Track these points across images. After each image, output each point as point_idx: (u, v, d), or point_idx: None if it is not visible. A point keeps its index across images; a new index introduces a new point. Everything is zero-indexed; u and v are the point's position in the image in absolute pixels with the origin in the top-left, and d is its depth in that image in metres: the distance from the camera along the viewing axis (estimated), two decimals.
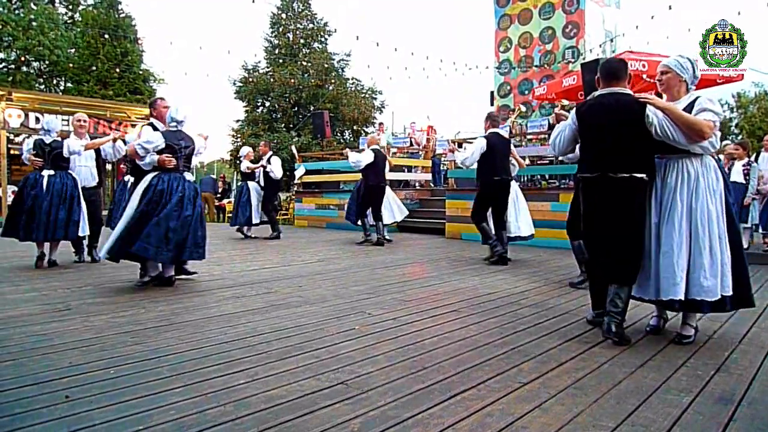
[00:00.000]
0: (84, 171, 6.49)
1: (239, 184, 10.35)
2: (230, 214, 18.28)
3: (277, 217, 19.43)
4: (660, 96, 3.58)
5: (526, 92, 15.93)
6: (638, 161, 3.31)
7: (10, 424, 2.07)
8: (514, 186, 7.14)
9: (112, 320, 3.69)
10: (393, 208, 9.56)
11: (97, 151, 6.64)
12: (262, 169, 9.79)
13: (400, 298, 4.52)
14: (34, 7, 24.85)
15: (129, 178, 7.00)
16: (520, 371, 2.76)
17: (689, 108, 3.24)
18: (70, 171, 6.21)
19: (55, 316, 3.80)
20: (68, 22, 27.71)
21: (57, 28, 25.20)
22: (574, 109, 3.66)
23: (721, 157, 8.57)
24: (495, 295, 4.72)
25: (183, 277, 5.35)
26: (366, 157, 8.79)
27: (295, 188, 15.17)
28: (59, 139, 6.11)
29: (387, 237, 9.20)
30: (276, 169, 9.62)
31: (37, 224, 5.82)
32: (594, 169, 3.42)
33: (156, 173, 4.91)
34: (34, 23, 24.02)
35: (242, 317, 3.84)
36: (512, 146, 7.10)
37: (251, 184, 9.83)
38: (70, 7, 28.21)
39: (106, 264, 5.97)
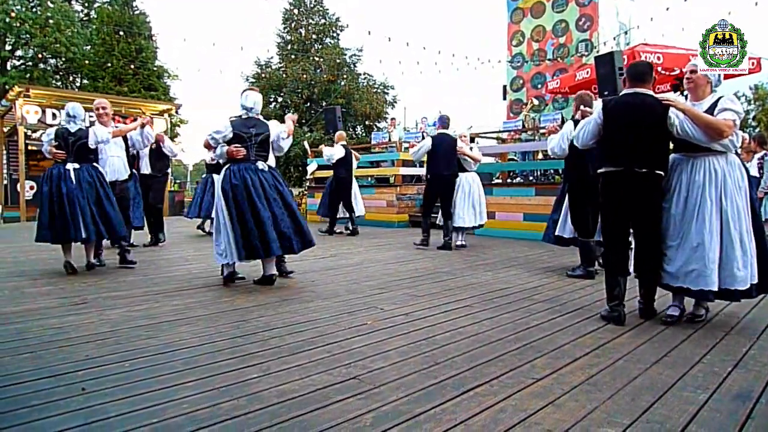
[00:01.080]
0: (116, 162, 5.96)
1: (204, 176, 9.75)
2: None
3: None
4: (676, 90, 3.71)
5: (539, 86, 15.79)
6: (658, 159, 3.58)
7: (28, 416, 2.10)
8: (468, 179, 7.72)
9: (127, 314, 3.73)
10: (358, 201, 9.89)
11: (125, 140, 6.17)
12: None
13: (412, 293, 4.52)
14: (51, 5, 25.11)
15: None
16: (534, 367, 2.74)
17: (712, 108, 3.47)
18: (96, 165, 5.54)
19: (72, 309, 3.85)
20: (84, 19, 27.99)
21: (73, 26, 25.45)
22: (601, 105, 3.79)
23: (739, 150, 8.46)
24: (508, 291, 4.70)
25: (197, 271, 5.38)
26: (338, 152, 9.31)
27: (308, 183, 15.20)
28: (84, 127, 5.46)
29: (356, 228, 9.66)
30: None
31: (66, 223, 5.13)
32: (618, 163, 3.62)
33: (227, 166, 4.71)
34: (50, 21, 24.27)
35: (255, 312, 3.86)
36: (467, 145, 7.98)
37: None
38: (86, 4, 28.50)
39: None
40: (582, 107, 4.74)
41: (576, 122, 5.11)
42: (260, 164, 4.77)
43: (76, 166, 5.31)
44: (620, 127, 3.63)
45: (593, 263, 5.35)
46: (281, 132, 4.93)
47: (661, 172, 3.58)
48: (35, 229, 5.31)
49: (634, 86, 3.67)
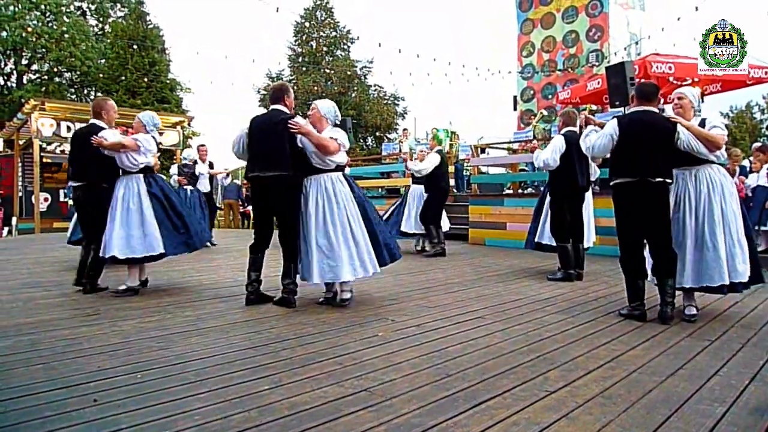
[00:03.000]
0: None
1: None
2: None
3: None
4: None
5: (550, 96, 15.79)
6: (667, 170, 4.00)
7: (41, 427, 2.11)
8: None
9: (139, 325, 3.75)
10: None
11: None
12: None
13: (424, 305, 4.50)
14: (66, 20, 25.62)
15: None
16: (547, 379, 2.71)
17: (701, 126, 3.98)
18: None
19: (85, 320, 3.88)
20: (98, 33, 28.50)
21: (88, 40, 25.93)
22: (616, 121, 4.15)
23: (751, 160, 8.35)
24: (520, 302, 4.67)
25: (208, 283, 5.39)
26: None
27: None
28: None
29: None
30: None
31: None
32: (634, 174, 3.97)
33: (342, 173, 4.51)
34: (66, 35, 24.74)
35: (266, 323, 3.86)
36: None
37: None
38: (101, 19, 29.02)
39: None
40: (585, 113, 5.04)
41: (567, 136, 5.64)
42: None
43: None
44: (635, 142, 3.97)
45: (572, 266, 5.74)
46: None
47: (670, 181, 4.01)
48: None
49: (643, 104, 4.08)
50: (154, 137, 5.08)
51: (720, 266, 3.86)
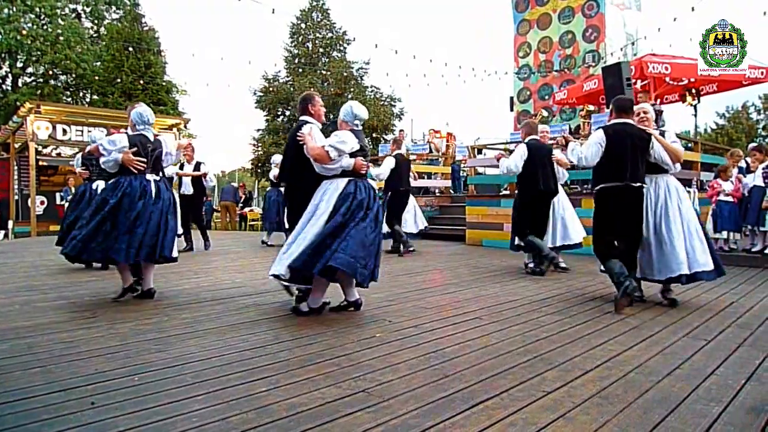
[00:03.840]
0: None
1: (269, 190, 10.45)
2: (252, 222, 18.49)
3: None
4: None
5: (547, 97, 15.83)
6: (643, 176, 4.51)
7: (39, 430, 2.11)
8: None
9: (136, 328, 3.74)
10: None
11: None
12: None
13: (421, 306, 4.50)
14: (62, 23, 25.52)
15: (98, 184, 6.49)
16: (544, 380, 2.72)
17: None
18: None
19: (82, 323, 3.87)
20: (94, 36, 28.41)
21: (83, 43, 25.83)
22: (602, 131, 4.56)
23: (749, 160, 8.36)
24: (517, 303, 4.67)
25: (205, 285, 5.39)
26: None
27: None
28: (159, 136, 4.97)
29: None
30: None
31: (142, 242, 4.53)
32: (620, 179, 4.42)
33: (350, 179, 4.20)
34: (61, 38, 24.65)
35: (263, 325, 3.86)
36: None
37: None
38: (96, 21, 28.91)
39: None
40: (565, 134, 5.83)
41: (529, 144, 6.20)
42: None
43: (156, 177, 4.77)
44: (620, 150, 4.43)
45: (544, 251, 6.20)
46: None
47: (645, 186, 4.54)
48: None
49: (622, 117, 4.58)
50: (142, 132, 4.74)
51: (677, 258, 4.39)
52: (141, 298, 4.73)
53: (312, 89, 25.98)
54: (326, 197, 4.12)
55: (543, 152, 6.23)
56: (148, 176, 4.69)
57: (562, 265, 6.59)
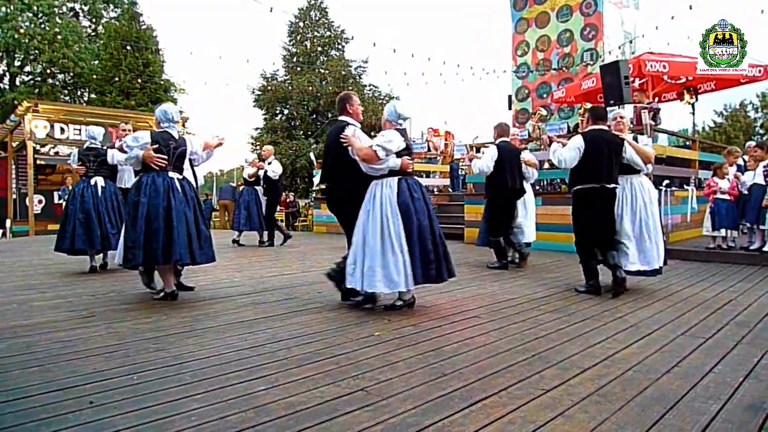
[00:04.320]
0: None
1: (243, 189, 10.26)
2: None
3: (296, 224, 19.48)
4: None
5: (545, 95, 15.82)
6: (616, 177, 4.96)
7: (37, 429, 2.11)
8: None
9: (135, 327, 3.74)
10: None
11: None
12: (263, 172, 9.54)
13: (420, 304, 4.50)
14: (59, 21, 25.47)
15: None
16: (542, 378, 2.72)
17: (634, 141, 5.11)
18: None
19: (80, 322, 3.86)
20: (91, 34, 28.36)
21: (81, 41, 25.80)
22: (581, 137, 4.95)
23: (746, 158, 8.36)
24: (515, 301, 4.68)
25: (204, 284, 5.38)
26: (276, 168, 9.59)
27: (314, 195, 15.24)
28: (184, 135, 5.01)
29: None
30: (276, 168, 9.52)
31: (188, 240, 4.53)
32: (597, 181, 4.85)
33: (400, 177, 4.26)
34: (59, 37, 24.61)
35: (262, 323, 3.86)
36: None
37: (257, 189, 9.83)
38: (93, 20, 28.86)
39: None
40: (551, 135, 6.05)
41: (500, 146, 6.48)
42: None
43: (178, 175, 4.68)
44: (596, 155, 4.83)
45: (506, 257, 6.70)
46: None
47: (618, 187, 5.00)
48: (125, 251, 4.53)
49: (598, 124, 5.03)
50: (165, 130, 4.69)
51: (652, 254, 4.99)
52: (163, 300, 4.66)
53: (310, 88, 26.02)
54: (385, 201, 4.16)
55: (512, 154, 6.58)
56: (171, 174, 4.62)
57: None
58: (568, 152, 4.93)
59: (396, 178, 4.23)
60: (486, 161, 6.41)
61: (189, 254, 4.49)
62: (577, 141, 4.92)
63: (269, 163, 9.52)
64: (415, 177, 4.50)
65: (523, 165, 6.77)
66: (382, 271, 4.05)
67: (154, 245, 4.37)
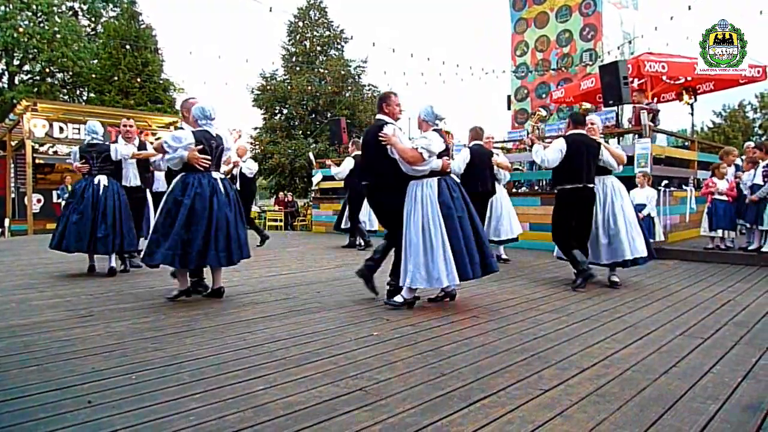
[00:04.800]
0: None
1: None
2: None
3: (295, 223, 19.45)
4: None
5: (544, 96, 15.83)
6: (594, 177, 5.41)
7: (35, 429, 2.10)
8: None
9: (133, 326, 3.73)
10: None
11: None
12: (238, 170, 9.08)
13: (419, 304, 4.50)
14: (58, 20, 25.45)
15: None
16: (541, 378, 2.72)
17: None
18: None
19: (79, 322, 3.86)
20: (91, 33, 28.33)
21: (80, 40, 25.77)
22: (563, 140, 5.36)
23: (744, 158, 8.35)
24: (514, 301, 4.68)
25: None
26: (346, 166, 9.56)
27: (313, 194, 15.24)
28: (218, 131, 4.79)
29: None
30: (251, 166, 9.27)
31: (227, 244, 4.60)
32: (578, 181, 5.31)
33: (439, 178, 4.37)
34: (58, 36, 24.58)
35: (261, 323, 3.85)
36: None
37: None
38: (93, 19, 28.83)
39: (139, 271, 6.08)
40: (531, 135, 6.20)
41: (473, 148, 6.70)
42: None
43: (221, 176, 4.66)
44: (578, 157, 5.27)
45: None
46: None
47: (596, 187, 5.44)
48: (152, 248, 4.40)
49: (578, 128, 5.43)
50: (205, 128, 4.59)
51: (623, 246, 5.34)
52: (210, 297, 4.69)
53: (309, 88, 25.95)
54: (426, 201, 4.29)
55: (484, 156, 6.80)
56: (214, 174, 4.56)
57: (504, 257, 7.39)
58: (552, 153, 5.33)
59: (436, 179, 4.35)
60: (458, 163, 6.57)
61: (226, 257, 4.49)
62: (560, 143, 5.33)
63: (244, 161, 9.16)
64: (453, 176, 4.62)
65: (495, 167, 7.03)
66: (425, 269, 4.21)
67: (189, 249, 4.33)
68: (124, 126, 6.48)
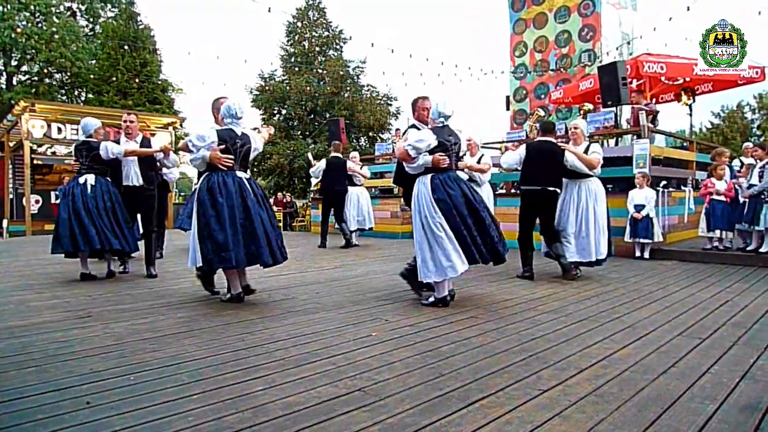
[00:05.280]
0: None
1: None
2: None
3: (294, 224, 19.44)
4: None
5: (543, 96, 15.84)
6: (558, 182, 5.85)
7: (34, 430, 2.10)
8: (355, 191, 9.89)
9: (131, 327, 3.73)
10: (369, 213, 10.38)
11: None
12: None
13: (417, 304, 4.50)
14: (56, 21, 25.42)
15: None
16: (540, 378, 2.73)
17: (586, 150, 5.87)
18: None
19: (77, 323, 3.85)
20: (89, 34, 28.29)
21: (78, 41, 25.74)
22: (525, 146, 5.98)
23: (743, 159, 8.36)
24: (512, 301, 4.68)
25: (200, 284, 5.39)
26: (319, 166, 9.87)
27: (312, 195, 15.24)
28: (245, 130, 4.76)
29: None
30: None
31: (268, 240, 4.56)
32: (537, 184, 5.79)
33: (433, 174, 4.45)
34: (56, 36, 24.56)
35: (260, 324, 3.85)
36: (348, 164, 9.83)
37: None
38: (91, 19, 28.80)
39: (138, 272, 6.08)
40: (506, 145, 6.91)
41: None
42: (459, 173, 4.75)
43: (246, 175, 4.61)
44: (536, 162, 5.78)
45: None
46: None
47: (560, 191, 5.90)
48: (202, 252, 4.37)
49: (546, 136, 5.92)
50: (230, 127, 4.54)
51: (589, 249, 5.82)
52: (244, 295, 4.66)
53: (308, 88, 25.96)
54: (422, 198, 4.43)
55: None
56: (239, 173, 4.52)
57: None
58: (510, 157, 6.04)
59: (429, 176, 4.45)
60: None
61: (271, 256, 4.45)
62: (521, 149, 6.00)
63: None
64: (456, 172, 4.67)
65: (469, 171, 7.04)
66: (432, 263, 4.34)
67: (240, 248, 4.31)
68: (125, 122, 6.06)
